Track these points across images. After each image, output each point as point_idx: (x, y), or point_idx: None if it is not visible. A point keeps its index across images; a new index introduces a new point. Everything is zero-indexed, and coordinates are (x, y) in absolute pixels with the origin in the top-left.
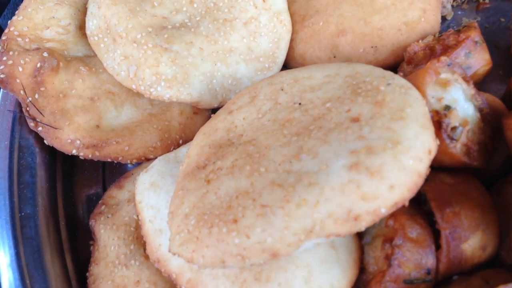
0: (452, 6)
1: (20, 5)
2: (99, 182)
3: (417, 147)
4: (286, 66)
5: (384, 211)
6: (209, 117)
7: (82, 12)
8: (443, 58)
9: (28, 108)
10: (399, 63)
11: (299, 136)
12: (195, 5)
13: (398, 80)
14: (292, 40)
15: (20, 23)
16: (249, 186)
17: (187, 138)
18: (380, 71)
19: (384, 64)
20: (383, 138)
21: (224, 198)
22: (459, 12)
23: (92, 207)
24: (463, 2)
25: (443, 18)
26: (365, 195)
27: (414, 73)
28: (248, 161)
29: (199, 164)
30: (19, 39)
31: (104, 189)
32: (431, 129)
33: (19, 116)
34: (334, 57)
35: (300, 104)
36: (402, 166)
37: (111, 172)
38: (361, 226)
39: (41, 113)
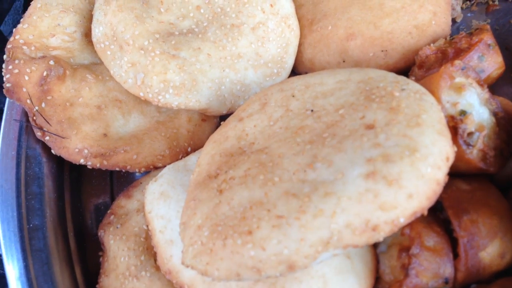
0: (462, 8)
1: (21, 11)
2: (107, 192)
3: (435, 155)
4: (294, 71)
5: (402, 220)
6: (217, 124)
7: (88, 19)
8: (457, 62)
9: (34, 118)
10: (410, 67)
11: (313, 144)
12: (202, 11)
13: (412, 85)
14: (300, 44)
15: (26, 31)
16: (263, 196)
17: (195, 146)
18: (393, 76)
19: (394, 68)
20: (400, 145)
21: (237, 208)
22: (469, 14)
23: (100, 217)
24: (472, 4)
25: (453, 21)
26: (383, 205)
27: (427, 77)
28: (261, 170)
29: (210, 173)
30: (24, 47)
31: (112, 199)
32: (448, 136)
33: (26, 126)
34: (344, 61)
35: (312, 111)
36: (421, 174)
37: (119, 181)
38: (380, 237)
39: (48, 122)
